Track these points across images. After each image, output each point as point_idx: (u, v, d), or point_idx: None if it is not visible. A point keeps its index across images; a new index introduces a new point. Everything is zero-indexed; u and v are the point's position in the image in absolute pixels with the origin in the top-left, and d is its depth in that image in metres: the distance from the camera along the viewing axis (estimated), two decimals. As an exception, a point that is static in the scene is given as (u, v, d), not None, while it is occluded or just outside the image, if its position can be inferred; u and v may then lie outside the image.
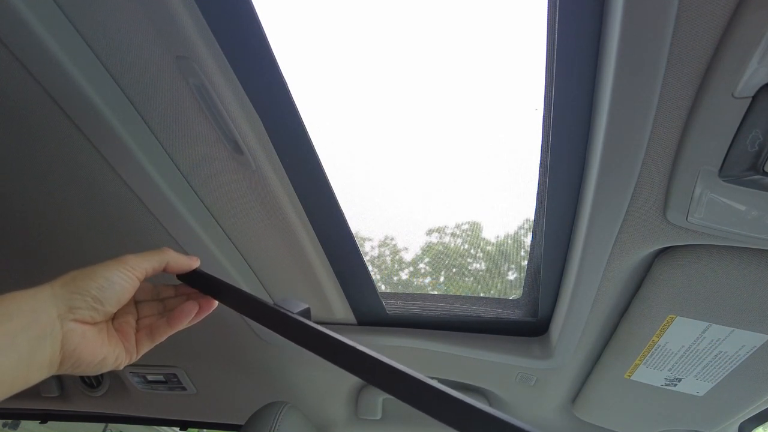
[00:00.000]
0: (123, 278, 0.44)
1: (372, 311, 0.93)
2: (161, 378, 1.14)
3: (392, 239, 0.92)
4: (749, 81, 0.38)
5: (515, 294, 0.92)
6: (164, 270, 0.49)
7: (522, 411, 1.08)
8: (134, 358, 0.47)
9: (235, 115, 0.55)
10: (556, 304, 0.80)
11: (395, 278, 1.00)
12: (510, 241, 0.86)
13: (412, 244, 0.93)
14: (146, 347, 0.48)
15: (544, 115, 0.58)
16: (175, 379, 1.14)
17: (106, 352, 0.43)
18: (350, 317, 0.97)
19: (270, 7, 0.48)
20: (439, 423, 0.34)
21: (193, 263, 0.52)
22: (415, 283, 1.00)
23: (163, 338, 0.49)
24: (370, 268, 0.84)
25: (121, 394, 1.23)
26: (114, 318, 0.47)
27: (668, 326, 0.70)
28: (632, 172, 0.49)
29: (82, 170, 0.63)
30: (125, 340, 0.46)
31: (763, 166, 0.41)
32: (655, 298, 0.67)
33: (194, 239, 0.71)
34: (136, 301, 0.50)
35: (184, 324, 0.49)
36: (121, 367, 0.46)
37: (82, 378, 1.22)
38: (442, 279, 1.01)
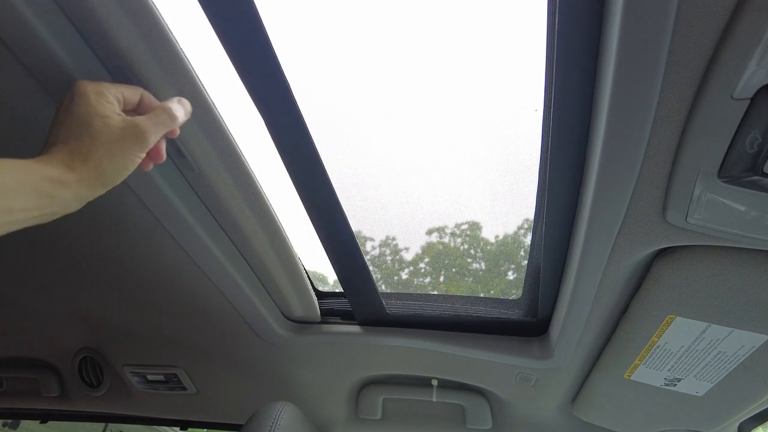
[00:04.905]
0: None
1: (372, 311, 0.93)
2: (161, 378, 1.14)
3: (393, 239, 0.92)
4: (748, 82, 0.38)
5: (515, 294, 0.93)
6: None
7: (521, 411, 1.09)
8: None
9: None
10: (556, 304, 0.80)
11: (395, 278, 1.00)
12: (510, 241, 0.86)
13: (412, 243, 0.93)
14: None
15: (543, 116, 0.58)
16: (176, 379, 1.14)
17: None
18: (350, 317, 0.97)
19: (271, 6, 0.48)
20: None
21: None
22: (415, 282, 1.00)
23: None
24: (370, 267, 0.84)
25: (122, 394, 1.23)
26: None
27: (667, 326, 0.70)
28: (632, 173, 0.49)
29: None
30: None
31: (762, 167, 0.41)
32: (654, 299, 0.67)
33: (195, 239, 0.72)
34: None
35: None
36: None
37: (82, 378, 1.22)
38: (441, 279, 1.01)
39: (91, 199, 0.45)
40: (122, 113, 0.46)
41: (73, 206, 0.43)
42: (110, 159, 0.44)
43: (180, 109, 0.50)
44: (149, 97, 0.50)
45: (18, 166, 0.39)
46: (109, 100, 0.45)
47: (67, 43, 0.48)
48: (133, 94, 0.48)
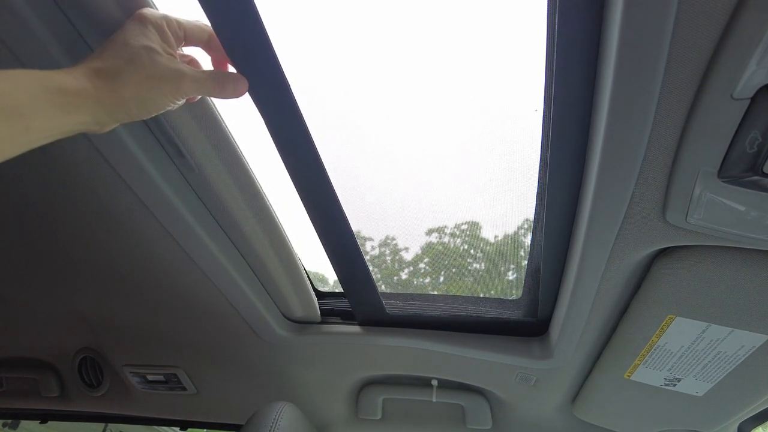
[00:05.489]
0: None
1: (372, 311, 0.93)
2: (161, 378, 1.14)
3: (393, 239, 0.92)
4: (748, 82, 0.38)
5: (515, 294, 0.93)
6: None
7: (521, 411, 1.09)
8: None
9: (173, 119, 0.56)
10: (556, 304, 0.80)
11: (395, 278, 1.00)
12: (510, 241, 0.86)
13: (412, 243, 0.93)
14: None
15: (543, 116, 0.58)
16: (176, 379, 1.14)
17: None
18: (350, 317, 0.97)
19: (271, 6, 0.48)
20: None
21: None
22: (415, 282, 1.01)
23: None
24: (370, 268, 0.84)
25: (122, 394, 1.23)
26: None
27: (668, 326, 0.70)
28: (632, 173, 0.49)
29: (80, 167, 0.63)
30: None
31: (762, 167, 0.41)
32: (654, 299, 0.67)
33: (195, 239, 0.72)
34: None
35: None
36: None
37: (82, 378, 1.22)
38: (441, 279, 1.01)
39: (112, 125, 0.41)
40: (174, 54, 0.43)
41: (92, 127, 0.39)
42: (141, 90, 0.40)
43: (229, 86, 0.48)
44: (217, 43, 0.48)
45: (33, 77, 0.35)
46: (164, 36, 0.42)
47: (67, 44, 0.48)
48: (199, 32, 0.46)
